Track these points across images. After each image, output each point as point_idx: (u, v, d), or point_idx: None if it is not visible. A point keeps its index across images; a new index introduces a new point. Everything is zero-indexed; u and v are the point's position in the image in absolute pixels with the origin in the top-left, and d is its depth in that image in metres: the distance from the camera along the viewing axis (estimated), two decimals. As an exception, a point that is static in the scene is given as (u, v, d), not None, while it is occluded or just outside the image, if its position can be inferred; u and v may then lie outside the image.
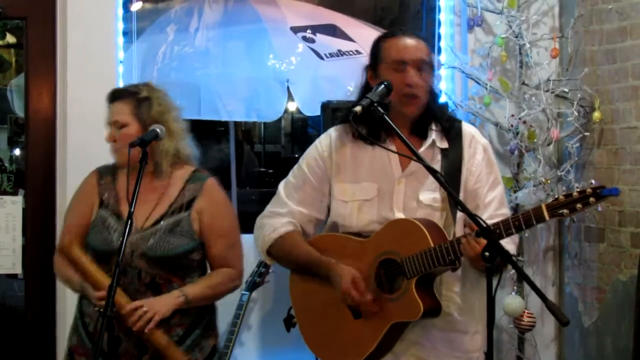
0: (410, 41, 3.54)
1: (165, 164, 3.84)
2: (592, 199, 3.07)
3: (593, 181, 3.11)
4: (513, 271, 4.87)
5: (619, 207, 4.95)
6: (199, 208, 3.82)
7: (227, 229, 3.90)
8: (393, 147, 3.50)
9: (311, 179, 3.66)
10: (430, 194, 3.50)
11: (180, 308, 3.71)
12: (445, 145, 3.55)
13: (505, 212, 3.54)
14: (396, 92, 3.43)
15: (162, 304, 3.66)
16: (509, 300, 5.17)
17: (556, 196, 3.17)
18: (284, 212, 3.68)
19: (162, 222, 3.76)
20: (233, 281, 3.89)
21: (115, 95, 3.91)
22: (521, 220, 3.18)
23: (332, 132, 3.70)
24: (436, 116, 3.57)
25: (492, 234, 3.12)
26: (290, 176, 3.75)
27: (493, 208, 3.49)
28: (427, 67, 3.51)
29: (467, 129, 3.63)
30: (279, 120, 6.75)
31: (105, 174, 3.93)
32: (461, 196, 3.44)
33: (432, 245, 3.30)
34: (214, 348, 3.89)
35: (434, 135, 3.54)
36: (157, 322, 3.62)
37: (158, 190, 3.83)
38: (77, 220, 3.89)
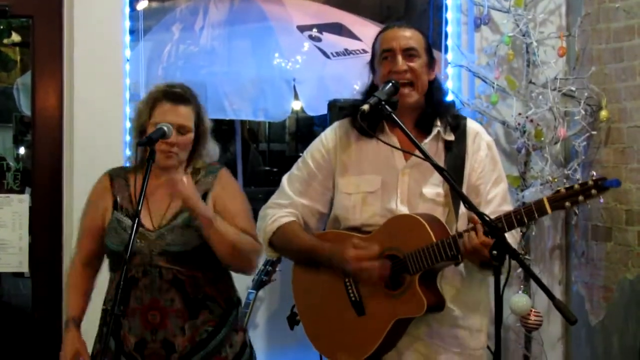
0: (398, 31, 3.56)
1: (202, 168, 3.84)
2: (593, 191, 3.06)
3: (594, 173, 3.09)
4: (520, 270, 4.88)
5: (626, 206, 4.94)
6: (214, 197, 3.76)
7: (241, 207, 3.80)
8: (396, 139, 3.51)
9: (315, 172, 3.67)
10: (434, 189, 3.51)
11: (199, 222, 3.62)
12: (450, 137, 3.55)
13: (508, 208, 3.53)
14: (384, 81, 3.45)
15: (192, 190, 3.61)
16: (516, 299, 5.17)
17: (557, 189, 3.17)
18: (287, 204, 3.68)
19: (178, 218, 3.71)
20: (255, 245, 3.73)
21: (181, 98, 3.76)
22: (523, 213, 3.17)
23: (337, 126, 3.71)
24: (441, 112, 3.58)
25: (500, 231, 3.12)
26: (295, 169, 3.75)
27: (495, 204, 3.49)
28: (415, 53, 3.50)
29: (472, 125, 3.64)
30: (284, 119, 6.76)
31: (117, 176, 3.87)
32: (464, 191, 3.44)
33: (434, 240, 3.30)
34: (244, 344, 3.84)
35: (439, 128, 3.54)
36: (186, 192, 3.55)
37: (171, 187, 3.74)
38: (90, 223, 3.85)
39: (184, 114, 3.74)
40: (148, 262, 3.67)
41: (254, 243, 3.74)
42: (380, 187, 3.54)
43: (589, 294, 5.30)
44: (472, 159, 3.55)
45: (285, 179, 3.75)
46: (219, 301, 3.77)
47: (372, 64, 3.63)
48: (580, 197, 3.08)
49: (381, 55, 3.53)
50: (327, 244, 3.54)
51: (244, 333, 3.88)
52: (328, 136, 3.69)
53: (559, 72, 5.29)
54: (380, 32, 3.63)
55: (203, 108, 3.86)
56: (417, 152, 3.30)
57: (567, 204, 3.10)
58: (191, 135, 3.75)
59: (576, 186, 3.10)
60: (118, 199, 3.81)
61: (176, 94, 3.78)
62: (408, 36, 3.53)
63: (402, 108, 3.42)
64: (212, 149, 3.90)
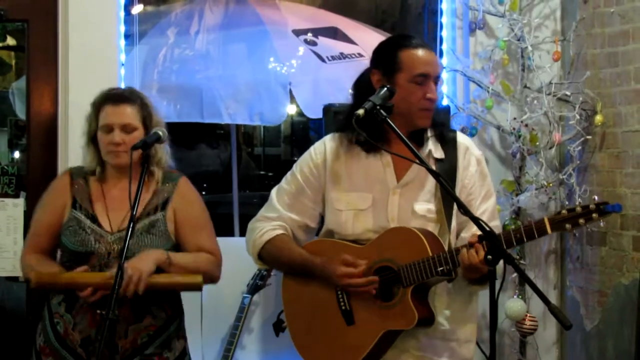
0: (432, 56, 3.58)
1: (158, 171, 3.86)
2: (595, 215, 3.08)
3: (596, 197, 3.12)
4: (515, 274, 4.88)
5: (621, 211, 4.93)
6: (174, 207, 3.85)
7: (204, 222, 3.93)
8: (389, 155, 3.51)
9: (304, 186, 3.67)
10: (425, 205, 3.52)
11: (161, 266, 3.69)
12: (440, 155, 3.56)
13: (497, 224, 3.57)
14: (414, 104, 3.47)
15: (144, 263, 3.64)
16: (511, 304, 5.16)
17: (559, 209, 3.18)
18: (275, 217, 3.69)
19: (138, 224, 3.74)
20: (215, 267, 3.88)
21: (122, 98, 3.86)
22: (523, 232, 3.20)
23: (327, 141, 3.71)
24: (434, 123, 3.59)
25: (495, 237, 3.12)
26: (284, 182, 3.75)
27: (484, 219, 3.48)
28: (439, 81, 3.57)
29: (462, 140, 3.65)
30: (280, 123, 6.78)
31: (78, 175, 3.92)
32: (454, 206, 3.44)
33: (430, 254, 3.31)
34: (184, 350, 3.92)
35: (430, 145, 3.55)
36: (146, 282, 3.59)
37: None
38: (49, 218, 3.88)
39: (127, 113, 3.81)
40: (104, 263, 3.71)
41: (212, 260, 3.87)
42: (371, 205, 3.54)
43: (584, 299, 5.30)
44: (462, 175, 3.57)
45: (274, 192, 3.76)
46: (165, 308, 3.82)
47: (386, 74, 3.56)
48: (581, 220, 3.11)
49: (414, 78, 3.50)
50: (318, 258, 3.54)
51: (185, 341, 3.94)
52: (317, 151, 3.70)
53: (553, 77, 5.29)
54: (408, 48, 3.56)
55: (153, 109, 3.90)
56: (409, 157, 3.31)
57: (568, 225, 3.12)
58: (138, 134, 3.79)
59: (578, 209, 3.11)
60: (77, 198, 3.85)
61: (117, 95, 3.89)
62: (439, 64, 3.62)
63: (406, 124, 3.45)
64: (165, 154, 3.92)
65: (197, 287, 3.81)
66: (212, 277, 3.88)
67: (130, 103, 3.83)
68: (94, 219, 3.79)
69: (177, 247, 3.85)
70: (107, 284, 3.51)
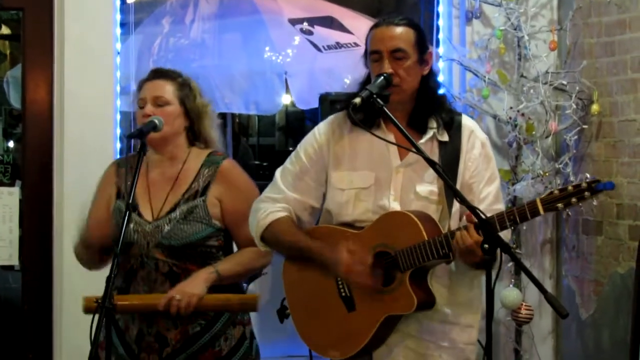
0: (386, 30, 3.50)
1: (203, 155, 3.83)
2: (587, 193, 3.07)
3: (588, 175, 3.11)
4: (511, 263, 4.88)
5: (617, 200, 4.94)
6: (217, 194, 3.77)
7: (245, 208, 3.78)
8: (392, 137, 3.49)
9: (308, 166, 3.65)
10: (428, 187, 3.49)
11: (213, 284, 3.66)
12: (445, 138, 3.54)
13: (500, 207, 3.53)
14: None
15: (193, 286, 3.62)
16: (507, 293, 5.17)
17: (551, 189, 3.17)
18: (279, 198, 3.66)
19: (176, 211, 3.70)
20: (263, 257, 3.81)
21: (159, 74, 3.82)
22: (516, 214, 3.18)
23: (331, 120, 3.68)
24: (435, 109, 3.56)
25: (491, 225, 3.12)
26: (288, 163, 3.73)
27: (488, 203, 3.48)
28: (403, 55, 3.46)
29: (467, 122, 3.62)
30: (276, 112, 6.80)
31: (123, 164, 3.84)
32: (457, 188, 3.43)
33: (426, 238, 3.30)
34: (242, 337, 3.85)
35: (435, 129, 3.53)
36: (195, 305, 3.58)
37: (172, 178, 3.75)
38: (96, 211, 3.83)
39: (161, 86, 3.76)
40: (145, 254, 3.67)
41: (258, 251, 3.76)
42: (374, 183, 3.53)
43: (580, 288, 5.31)
44: (466, 157, 3.54)
45: (278, 172, 3.74)
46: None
47: (364, 59, 3.62)
48: (574, 199, 3.08)
49: (370, 56, 3.52)
50: (320, 245, 3.52)
51: (244, 326, 3.88)
52: (321, 130, 3.67)
53: (550, 66, 5.29)
54: (371, 29, 3.59)
55: (194, 89, 3.85)
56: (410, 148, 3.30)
57: (560, 205, 3.11)
58: (171, 109, 3.74)
59: (569, 188, 3.09)
60: (121, 187, 3.80)
61: (155, 71, 3.86)
62: (396, 36, 3.48)
63: (391, 104, 3.41)
64: (214, 135, 3.89)
65: (252, 308, 3.86)
66: (263, 267, 3.91)
67: (167, 79, 3.79)
68: (134, 208, 3.65)
69: (222, 230, 3.79)
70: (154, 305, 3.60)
